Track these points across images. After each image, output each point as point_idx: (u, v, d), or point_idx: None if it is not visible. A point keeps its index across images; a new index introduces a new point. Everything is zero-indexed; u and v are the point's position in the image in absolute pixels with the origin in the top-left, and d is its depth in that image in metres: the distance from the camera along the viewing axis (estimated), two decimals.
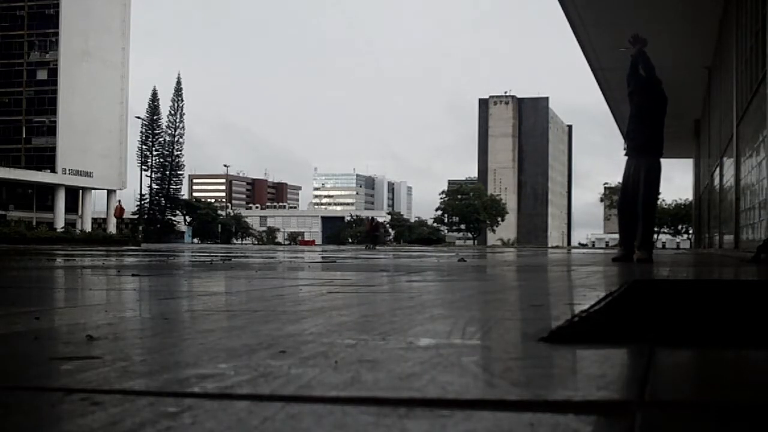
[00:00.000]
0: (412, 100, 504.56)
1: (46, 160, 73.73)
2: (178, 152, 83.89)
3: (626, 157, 8.48)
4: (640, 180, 8.15)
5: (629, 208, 8.27)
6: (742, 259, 9.64)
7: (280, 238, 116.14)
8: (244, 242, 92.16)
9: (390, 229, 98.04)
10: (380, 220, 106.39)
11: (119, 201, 44.88)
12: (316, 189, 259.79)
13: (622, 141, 8.69)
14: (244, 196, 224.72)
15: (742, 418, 0.98)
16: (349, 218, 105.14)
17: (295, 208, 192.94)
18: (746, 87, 14.74)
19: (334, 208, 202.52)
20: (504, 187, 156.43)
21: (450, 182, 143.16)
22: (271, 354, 1.41)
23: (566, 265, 7.51)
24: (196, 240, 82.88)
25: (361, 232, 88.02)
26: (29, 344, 1.60)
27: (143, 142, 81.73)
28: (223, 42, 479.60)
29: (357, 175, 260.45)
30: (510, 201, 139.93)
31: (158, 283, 4.17)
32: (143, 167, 78.97)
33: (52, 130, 73.65)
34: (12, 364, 1.37)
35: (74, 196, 76.34)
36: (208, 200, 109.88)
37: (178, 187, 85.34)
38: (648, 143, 8.27)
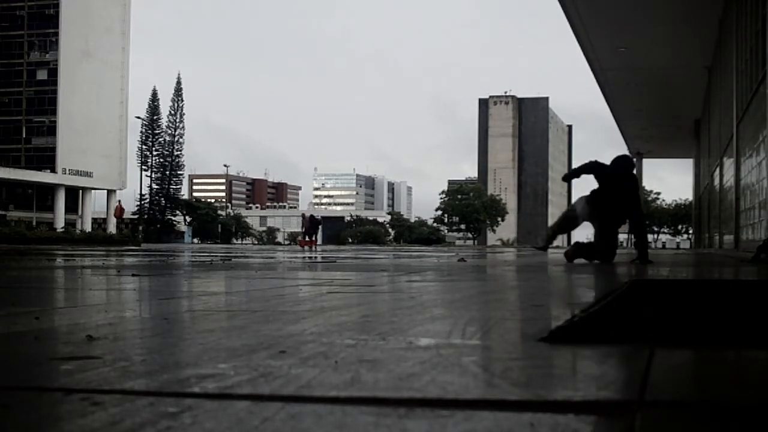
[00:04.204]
0: (411, 101, 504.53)
1: (46, 160, 73.68)
2: (178, 152, 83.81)
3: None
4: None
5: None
6: (742, 259, 9.64)
7: (280, 238, 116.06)
8: (244, 242, 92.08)
9: (390, 229, 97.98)
10: (380, 219, 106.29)
11: (119, 201, 44.86)
12: (316, 189, 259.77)
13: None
14: (244, 196, 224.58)
15: (742, 418, 0.98)
16: (349, 218, 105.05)
17: (295, 208, 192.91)
18: (746, 87, 14.74)
19: (334, 208, 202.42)
20: (504, 187, 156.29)
21: (450, 182, 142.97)
22: (271, 354, 1.41)
23: (566, 265, 7.51)
24: (196, 240, 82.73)
25: (361, 232, 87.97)
26: (29, 344, 1.60)
27: (143, 142, 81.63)
28: (222, 42, 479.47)
29: (357, 175, 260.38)
30: (510, 201, 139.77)
31: (158, 283, 4.17)
32: (143, 167, 78.83)
33: (52, 130, 73.60)
34: (12, 364, 1.37)
35: (74, 196, 76.30)
36: (208, 200, 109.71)
37: (178, 187, 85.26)
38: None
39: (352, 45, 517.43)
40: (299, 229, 39.35)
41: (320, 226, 38.39)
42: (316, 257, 11.73)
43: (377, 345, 1.53)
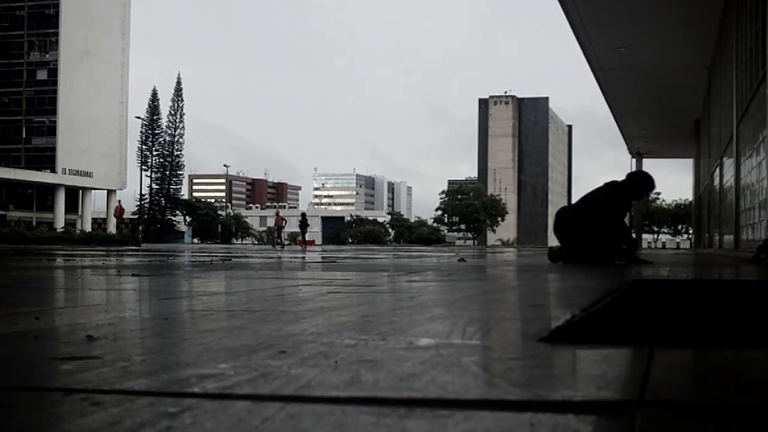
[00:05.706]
0: (411, 101, 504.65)
1: (46, 160, 73.69)
2: (178, 152, 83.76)
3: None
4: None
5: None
6: (742, 259, 9.64)
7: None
8: (244, 242, 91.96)
9: (390, 229, 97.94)
10: (380, 219, 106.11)
11: (119, 201, 44.81)
12: (316, 189, 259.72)
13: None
14: (244, 196, 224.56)
15: (741, 418, 0.98)
16: (349, 218, 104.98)
17: (295, 208, 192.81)
18: (746, 87, 14.74)
19: (334, 208, 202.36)
20: (504, 187, 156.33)
21: (450, 182, 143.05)
22: (271, 354, 1.41)
23: (566, 266, 7.51)
24: (196, 240, 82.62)
25: (361, 232, 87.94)
26: (29, 344, 1.60)
27: (143, 142, 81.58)
28: (222, 43, 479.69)
29: (357, 175, 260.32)
30: (510, 201, 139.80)
31: (158, 283, 4.17)
32: (143, 167, 78.80)
33: (52, 130, 73.60)
34: (12, 364, 1.37)
35: (74, 196, 76.30)
36: (208, 200, 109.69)
37: (178, 187, 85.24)
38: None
39: (352, 45, 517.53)
40: (286, 229, 39.41)
41: (307, 227, 38.87)
42: (305, 257, 11.72)
43: (377, 345, 1.53)
